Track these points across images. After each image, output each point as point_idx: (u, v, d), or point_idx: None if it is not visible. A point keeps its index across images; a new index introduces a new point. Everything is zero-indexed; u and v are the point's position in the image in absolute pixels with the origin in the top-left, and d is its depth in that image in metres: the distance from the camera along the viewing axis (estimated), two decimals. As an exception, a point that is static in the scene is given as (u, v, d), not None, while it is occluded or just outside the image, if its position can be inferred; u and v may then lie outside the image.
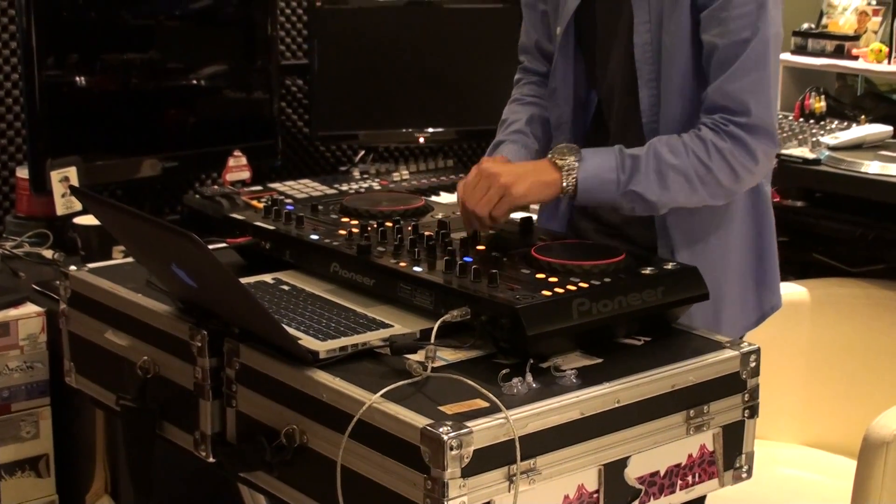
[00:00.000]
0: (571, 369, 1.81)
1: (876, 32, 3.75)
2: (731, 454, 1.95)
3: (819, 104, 3.72)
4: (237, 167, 3.41)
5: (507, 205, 2.12)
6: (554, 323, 1.83)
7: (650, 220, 2.27)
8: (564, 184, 2.14)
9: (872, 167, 3.21)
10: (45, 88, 3.03)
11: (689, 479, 1.90)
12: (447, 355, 1.85)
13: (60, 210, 3.07)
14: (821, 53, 3.80)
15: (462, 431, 1.60)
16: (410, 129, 3.73)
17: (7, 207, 3.31)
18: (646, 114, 2.24)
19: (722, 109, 2.15)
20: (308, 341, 1.85)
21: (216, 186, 3.42)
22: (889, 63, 3.64)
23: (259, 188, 3.37)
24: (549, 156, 2.17)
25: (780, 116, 3.79)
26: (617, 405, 1.78)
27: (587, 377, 1.80)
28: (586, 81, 2.40)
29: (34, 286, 2.88)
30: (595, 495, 1.77)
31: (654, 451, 1.84)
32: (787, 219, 3.38)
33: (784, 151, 3.37)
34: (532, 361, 1.80)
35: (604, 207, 2.32)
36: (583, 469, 1.75)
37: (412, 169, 3.71)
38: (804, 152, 3.36)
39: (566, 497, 1.74)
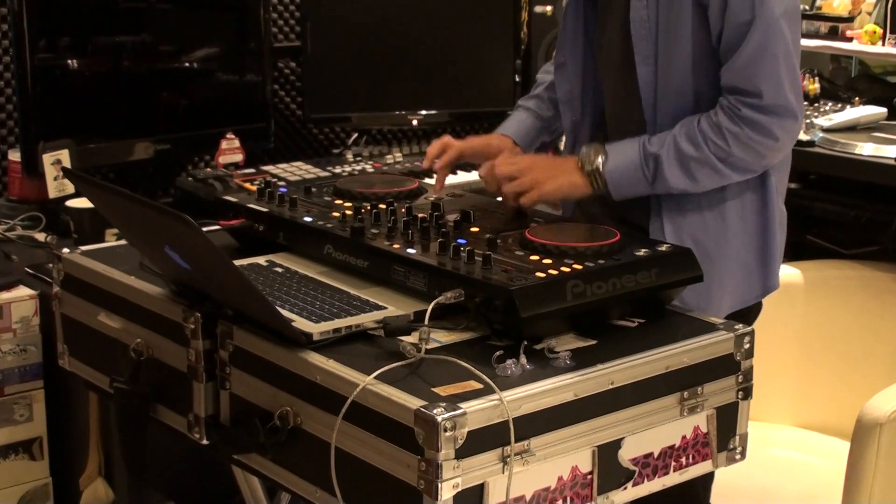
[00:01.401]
0: (565, 351, 1.81)
1: (870, 14, 3.75)
2: (725, 436, 1.95)
3: (813, 86, 3.71)
4: (230, 150, 3.40)
5: (536, 197, 2.21)
6: (548, 305, 1.83)
7: (648, 206, 2.27)
8: (594, 186, 2.21)
9: (866, 149, 3.20)
10: (37, 71, 3.02)
11: (683, 460, 1.90)
12: (441, 337, 1.85)
13: (53, 193, 3.05)
14: (815, 35, 3.79)
15: (456, 413, 1.60)
16: (403, 112, 3.72)
17: (-1, 190, 3.30)
18: (644, 91, 2.24)
19: (735, 91, 2.15)
20: (302, 323, 1.85)
21: (209, 169, 3.41)
22: (883, 45, 3.63)
23: (252, 170, 3.36)
24: (577, 161, 2.22)
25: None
26: (611, 387, 1.78)
27: (581, 359, 1.80)
28: (594, 57, 2.40)
29: (27, 269, 2.87)
30: (589, 476, 1.78)
31: (647, 433, 1.84)
32: (780, 200, 3.38)
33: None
34: (526, 343, 1.80)
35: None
36: (577, 450, 1.75)
37: (405, 151, 3.70)
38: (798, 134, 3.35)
39: (560, 478, 1.74)
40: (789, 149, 2.28)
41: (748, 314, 2.32)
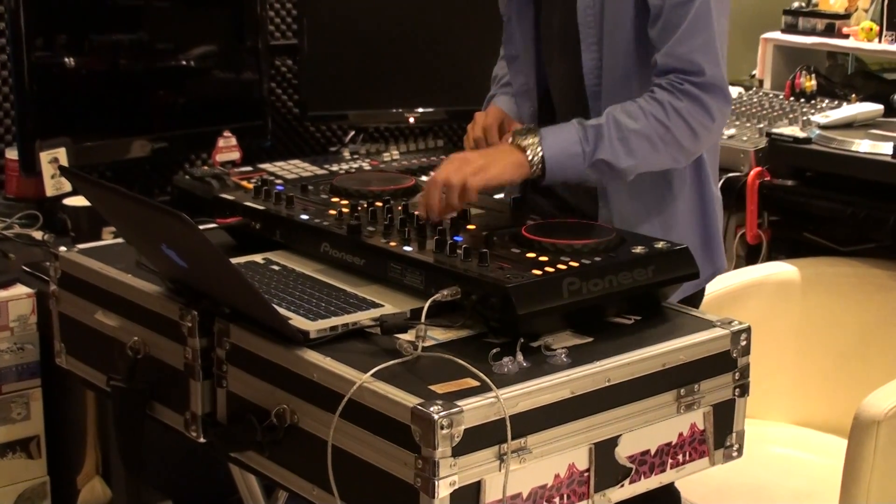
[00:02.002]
0: (562, 348, 1.81)
1: (867, 11, 3.75)
2: (722, 433, 1.95)
3: (809, 83, 3.71)
4: (227, 148, 3.40)
5: (482, 180, 2.10)
6: (544, 302, 1.83)
7: (595, 194, 2.28)
8: (531, 163, 2.13)
9: (863, 146, 3.21)
10: (34, 69, 3.02)
11: (680, 457, 1.90)
12: (438, 335, 1.85)
13: (50, 191, 3.06)
14: (811, 32, 3.80)
15: (453, 411, 1.60)
16: (400, 109, 3.72)
17: (-4, 189, 3.30)
18: (588, 77, 2.26)
19: (674, 71, 2.16)
20: (298, 321, 1.85)
21: (206, 167, 3.41)
22: (879, 41, 3.64)
23: (249, 169, 3.36)
24: (510, 140, 2.16)
25: (771, 95, 3.79)
26: (607, 384, 1.78)
27: (578, 356, 1.80)
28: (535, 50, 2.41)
29: (24, 267, 2.87)
30: (586, 474, 1.78)
31: (644, 430, 1.84)
32: (777, 198, 3.38)
33: (774, 130, 3.37)
34: (522, 340, 1.80)
35: (569, 183, 2.32)
36: (573, 448, 1.75)
37: (402, 149, 3.70)
38: (795, 131, 3.36)
39: (557, 476, 1.74)
40: (719, 134, 2.30)
41: (695, 299, 2.33)
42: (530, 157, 2.12)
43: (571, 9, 2.25)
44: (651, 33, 2.18)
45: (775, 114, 3.57)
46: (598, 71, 2.25)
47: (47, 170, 3.03)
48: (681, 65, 2.15)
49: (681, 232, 2.27)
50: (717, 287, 2.85)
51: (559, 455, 1.74)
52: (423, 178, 2.48)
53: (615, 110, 2.15)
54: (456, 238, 2.00)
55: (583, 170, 2.15)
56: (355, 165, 3.48)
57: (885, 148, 3.16)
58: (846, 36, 3.73)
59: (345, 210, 2.17)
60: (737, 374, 1.95)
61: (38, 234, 3.08)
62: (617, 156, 2.13)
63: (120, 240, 2.39)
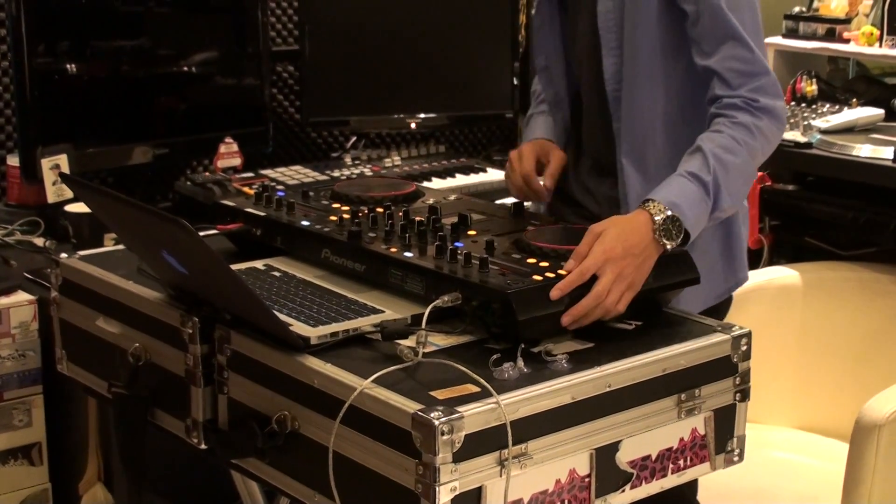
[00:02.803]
0: (563, 354, 1.81)
1: (867, 15, 3.75)
2: (723, 438, 1.95)
3: (810, 88, 3.71)
4: (228, 154, 3.40)
5: (632, 294, 1.96)
6: (545, 308, 1.84)
7: (617, 202, 2.28)
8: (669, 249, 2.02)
9: (864, 150, 3.21)
10: (36, 76, 3.02)
11: (681, 462, 1.90)
12: (438, 340, 1.86)
13: (51, 198, 3.06)
14: (812, 37, 3.80)
15: (453, 416, 1.60)
16: (402, 115, 3.73)
17: (-2, 195, 3.31)
18: (609, 82, 2.25)
19: (742, 86, 2.14)
20: (299, 327, 1.85)
21: (207, 173, 3.42)
22: (880, 46, 3.64)
23: (250, 175, 3.36)
24: (656, 236, 1.99)
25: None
26: (608, 389, 1.78)
27: (578, 361, 1.80)
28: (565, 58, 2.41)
29: (25, 274, 2.87)
30: (587, 479, 1.78)
31: (645, 435, 1.84)
32: (778, 202, 3.39)
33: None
34: (523, 346, 1.80)
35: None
36: (574, 453, 1.75)
37: (404, 155, 3.70)
38: (796, 136, 3.36)
39: (558, 481, 1.74)
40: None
41: (719, 309, 2.32)
42: (670, 247, 2.01)
43: (593, 16, 2.25)
44: (693, 35, 2.17)
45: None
46: (618, 76, 2.24)
47: (49, 176, 3.04)
48: (746, 67, 2.14)
49: (702, 241, 2.25)
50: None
51: (560, 460, 1.74)
52: (425, 183, 2.48)
53: (714, 150, 2.09)
54: (456, 244, 2.00)
55: (705, 225, 2.11)
56: (356, 171, 3.48)
57: (885, 152, 3.16)
58: (847, 41, 3.72)
59: (346, 216, 2.18)
60: (737, 378, 1.95)
61: (39, 241, 3.08)
62: (731, 201, 2.11)
63: (121, 246, 2.39)
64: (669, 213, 2.01)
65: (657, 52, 2.21)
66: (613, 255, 1.91)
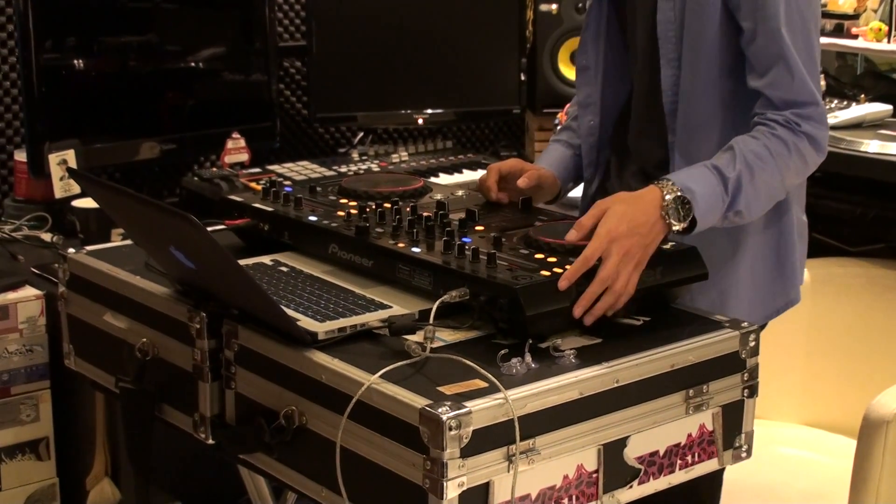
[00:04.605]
0: (570, 349, 1.81)
1: (875, 11, 3.74)
2: (731, 434, 1.95)
3: (818, 83, 3.70)
4: (236, 149, 3.40)
5: (637, 277, 1.94)
6: (553, 303, 1.83)
7: None
8: (677, 230, 2.02)
9: (872, 146, 3.20)
10: (43, 71, 3.02)
11: (689, 458, 1.90)
12: (446, 336, 1.85)
13: (59, 193, 3.06)
14: (820, 32, 3.79)
15: (461, 412, 1.60)
16: (409, 111, 3.72)
17: (5, 191, 3.30)
18: (667, 93, 2.22)
19: (788, 106, 2.12)
20: (307, 322, 1.85)
21: (215, 169, 3.42)
22: (889, 42, 3.63)
23: (258, 170, 3.36)
24: (663, 213, 1.98)
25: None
26: (616, 385, 1.78)
27: (586, 357, 1.80)
28: (619, 62, 2.38)
29: (33, 269, 2.87)
30: (594, 475, 1.78)
31: (653, 431, 1.84)
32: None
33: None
34: (531, 342, 1.80)
35: None
36: (582, 449, 1.75)
37: (411, 150, 3.70)
38: (803, 132, 3.35)
39: (565, 477, 1.74)
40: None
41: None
42: (677, 228, 2.00)
43: (653, 24, 2.22)
44: (748, 53, 2.14)
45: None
46: (675, 87, 2.21)
47: (56, 172, 3.04)
48: (792, 96, 2.11)
49: (751, 257, 2.24)
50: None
51: (568, 456, 1.74)
52: (433, 178, 2.48)
53: (745, 151, 2.08)
54: (464, 239, 2.00)
55: (717, 221, 2.08)
56: (364, 167, 3.48)
57: (894, 148, 3.15)
58: (855, 36, 3.71)
59: (353, 211, 2.18)
60: (745, 374, 1.95)
61: (46, 236, 3.08)
62: (749, 205, 2.08)
63: (128, 241, 2.40)
64: (680, 193, 2.00)
65: (715, 67, 2.17)
66: (618, 234, 1.90)
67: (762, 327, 2.28)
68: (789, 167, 2.12)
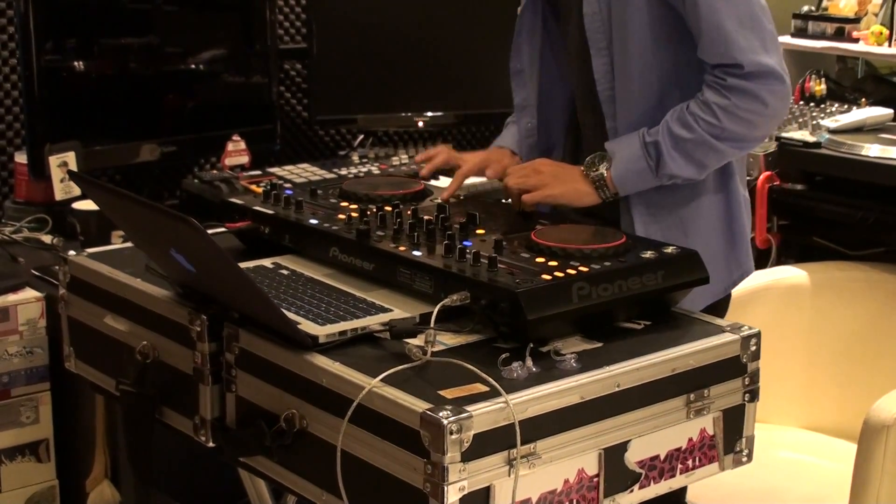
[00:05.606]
0: (571, 353, 1.81)
1: (876, 15, 3.74)
2: (732, 438, 1.95)
3: (819, 87, 3.71)
4: (236, 152, 3.40)
5: (539, 197, 2.24)
6: (554, 307, 1.83)
7: (617, 203, 2.29)
8: (600, 193, 2.24)
9: (873, 150, 3.20)
10: (44, 73, 3.02)
11: (690, 462, 1.90)
12: (447, 339, 1.85)
13: (59, 195, 3.06)
14: (821, 36, 3.79)
15: (462, 416, 1.60)
16: (410, 114, 3.72)
17: (6, 193, 3.30)
18: (600, 83, 2.27)
19: (717, 67, 2.17)
20: (307, 326, 1.85)
21: (215, 171, 3.42)
22: (890, 46, 3.63)
23: (258, 173, 3.36)
24: (582, 168, 2.25)
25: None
26: (617, 389, 1.78)
27: (587, 361, 1.79)
28: (554, 62, 2.43)
29: (33, 271, 2.87)
30: (595, 479, 1.77)
31: (654, 435, 1.84)
32: (787, 202, 3.38)
33: (784, 134, 3.37)
34: (532, 346, 1.80)
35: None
36: (583, 453, 1.75)
37: (412, 153, 3.69)
38: (804, 135, 3.35)
39: (566, 481, 1.74)
40: (783, 115, 2.27)
41: (718, 307, 2.32)
42: (599, 190, 2.23)
43: (580, 18, 2.27)
44: (688, 24, 2.19)
45: (785, 118, 3.57)
46: (609, 76, 2.26)
47: (56, 174, 3.04)
48: (718, 59, 2.16)
49: (704, 234, 2.28)
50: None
51: (568, 460, 1.74)
52: (433, 181, 2.48)
53: (670, 120, 2.19)
54: (465, 243, 2.00)
55: (655, 181, 2.22)
56: (364, 169, 3.48)
57: (894, 152, 3.15)
58: (856, 40, 3.72)
59: (354, 214, 2.17)
60: (746, 379, 1.95)
61: (47, 238, 3.08)
62: (679, 166, 2.19)
63: (129, 244, 2.39)
64: (601, 153, 2.24)
65: (648, 46, 2.22)
66: (534, 163, 2.29)
67: (727, 299, 2.36)
68: (723, 127, 2.16)
